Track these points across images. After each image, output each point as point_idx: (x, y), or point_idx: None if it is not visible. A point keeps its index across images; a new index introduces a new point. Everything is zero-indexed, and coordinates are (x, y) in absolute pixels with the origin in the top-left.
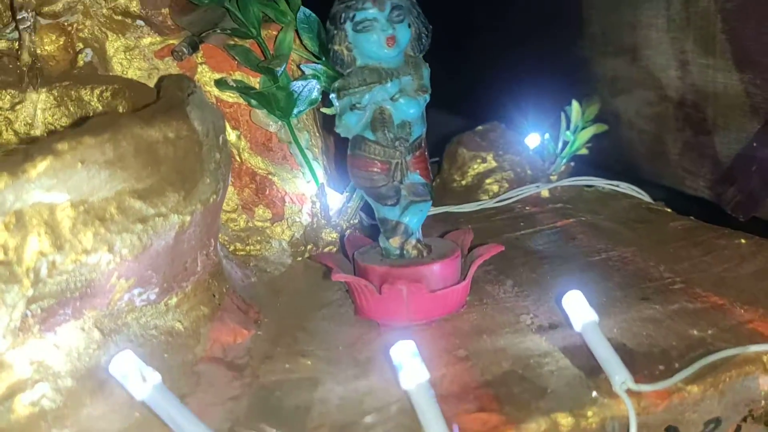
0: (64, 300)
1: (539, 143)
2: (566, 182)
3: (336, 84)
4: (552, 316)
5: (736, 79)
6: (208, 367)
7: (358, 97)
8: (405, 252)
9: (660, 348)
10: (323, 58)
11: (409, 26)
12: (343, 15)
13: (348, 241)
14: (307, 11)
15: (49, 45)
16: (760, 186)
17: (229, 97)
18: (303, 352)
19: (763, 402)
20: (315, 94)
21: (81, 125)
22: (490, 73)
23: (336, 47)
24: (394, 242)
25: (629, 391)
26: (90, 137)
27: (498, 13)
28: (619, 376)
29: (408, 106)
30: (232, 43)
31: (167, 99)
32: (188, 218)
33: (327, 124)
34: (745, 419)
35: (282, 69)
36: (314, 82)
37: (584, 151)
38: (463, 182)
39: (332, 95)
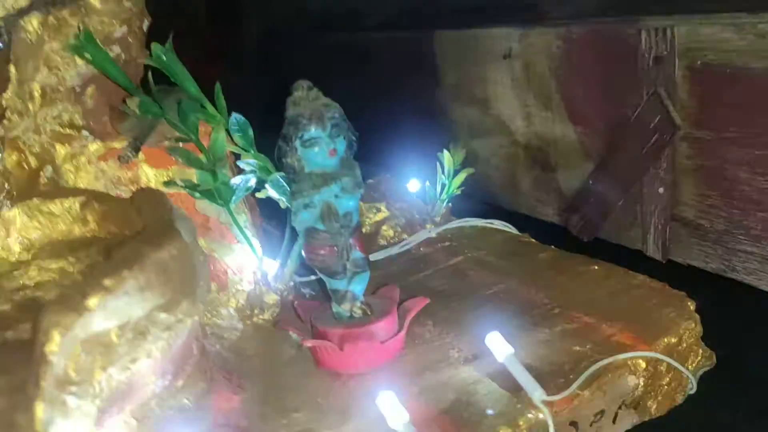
0: (113, 400)
1: (420, 188)
2: (454, 224)
3: (291, 188)
4: (471, 348)
5: (571, 130)
6: None
7: (310, 198)
8: (353, 313)
9: (557, 364)
10: (251, 151)
11: (344, 138)
12: (293, 135)
13: (300, 307)
14: (238, 116)
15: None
16: (597, 214)
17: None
18: (291, 407)
19: (631, 393)
20: (251, 183)
21: (110, 259)
22: (366, 126)
23: (288, 160)
24: (345, 307)
25: (545, 402)
26: (127, 271)
27: (358, 67)
28: (538, 392)
29: (349, 201)
30: (171, 145)
31: (160, 220)
32: (196, 317)
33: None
34: (620, 407)
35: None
36: (251, 176)
37: (458, 192)
38: (364, 230)
39: (268, 184)
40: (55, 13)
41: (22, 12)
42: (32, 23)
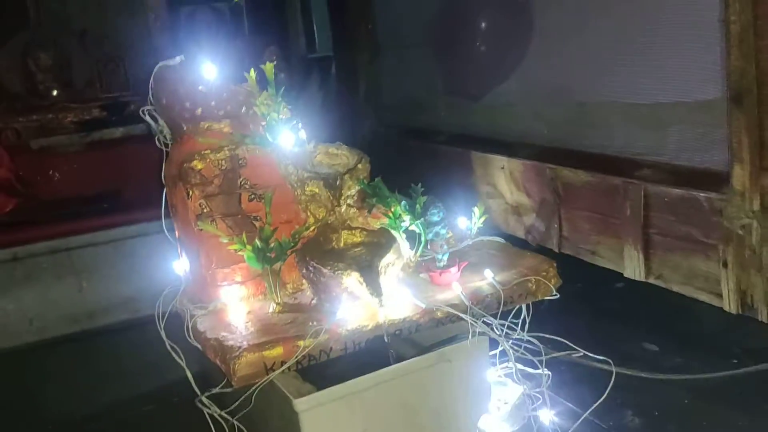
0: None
1: (467, 223)
2: (479, 238)
3: (428, 227)
4: (480, 276)
5: (526, 199)
6: None
7: (433, 229)
8: (443, 266)
9: (507, 282)
10: (414, 218)
11: (444, 213)
12: (434, 211)
13: (424, 265)
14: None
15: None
16: (538, 235)
17: None
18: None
19: (529, 289)
20: (411, 227)
21: (382, 245)
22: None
23: (429, 218)
24: (440, 264)
25: (500, 286)
26: (393, 247)
27: (429, 164)
28: (499, 287)
29: (444, 231)
30: (385, 211)
31: (389, 233)
32: (401, 263)
33: None
34: (526, 294)
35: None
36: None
37: (481, 225)
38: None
39: (417, 225)
40: (351, 172)
41: (347, 171)
42: (348, 177)
